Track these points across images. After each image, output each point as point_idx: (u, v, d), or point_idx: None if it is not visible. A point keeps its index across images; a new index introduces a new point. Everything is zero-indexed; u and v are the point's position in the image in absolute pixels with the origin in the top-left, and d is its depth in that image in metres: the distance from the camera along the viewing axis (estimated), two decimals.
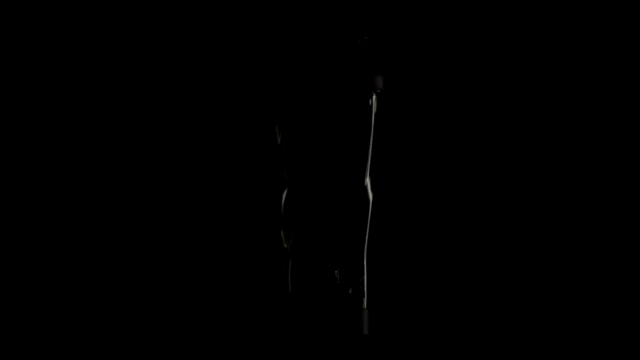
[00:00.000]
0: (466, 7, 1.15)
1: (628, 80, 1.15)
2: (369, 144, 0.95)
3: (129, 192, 1.13)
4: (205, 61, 1.14)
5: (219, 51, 1.14)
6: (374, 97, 0.96)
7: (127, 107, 1.14)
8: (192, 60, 1.14)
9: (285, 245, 0.95)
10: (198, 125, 1.14)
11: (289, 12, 1.09)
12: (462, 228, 1.15)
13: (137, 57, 1.14)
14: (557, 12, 1.15)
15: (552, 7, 1.14)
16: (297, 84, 0.93)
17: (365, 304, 0.94)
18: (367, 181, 0.96)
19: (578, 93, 1.15)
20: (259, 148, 1.11)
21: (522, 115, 1.15)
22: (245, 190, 1.14)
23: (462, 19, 1.15)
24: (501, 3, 1.14)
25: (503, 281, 1.14)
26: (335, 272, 0.93)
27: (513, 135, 1.15)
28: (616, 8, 1.14)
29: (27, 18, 1.13)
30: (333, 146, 0.94)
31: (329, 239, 0.93)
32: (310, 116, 0.93)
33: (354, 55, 0.93)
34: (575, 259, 1.14)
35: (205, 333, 1.11)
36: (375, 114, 0.96)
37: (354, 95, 0.94)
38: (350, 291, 0.93)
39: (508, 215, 1.15)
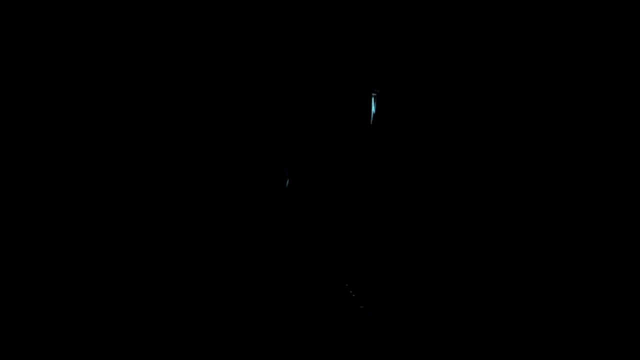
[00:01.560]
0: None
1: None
2: (368, 143, 0.96)
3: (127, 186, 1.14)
4: (206, 61, 1.14)
5: (220, 53, 1.14)
6: (374, 97, 0.96)
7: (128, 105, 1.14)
8: (192, 60, 1.14)
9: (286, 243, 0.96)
10: (198, 124, 1.15)
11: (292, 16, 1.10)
12: (460, 229, 1.15)
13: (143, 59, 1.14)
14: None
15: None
16: (297, 83, 0.94)
17: (365, 304, 0.95)
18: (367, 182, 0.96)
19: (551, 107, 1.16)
20: (260, 146, 1.11)
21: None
22: (245, 190, 1.14)
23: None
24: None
25: (501, 282, 1.15)
26: (337, 272, 0.93)
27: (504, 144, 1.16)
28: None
29: (28, 18, 1.13)
30: (333, 147, 0.94)
31: (330, 238, 0.94)
32: (312, 116, 0.94)
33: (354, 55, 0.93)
34: (565, 257, 1.15)
35: (206, 330, 1.12)
36: (374, 115, 0.96)
37: (354, 95, 0.94)
38: (351, 291, 0.93)
39: (504, 221, 1.15)
